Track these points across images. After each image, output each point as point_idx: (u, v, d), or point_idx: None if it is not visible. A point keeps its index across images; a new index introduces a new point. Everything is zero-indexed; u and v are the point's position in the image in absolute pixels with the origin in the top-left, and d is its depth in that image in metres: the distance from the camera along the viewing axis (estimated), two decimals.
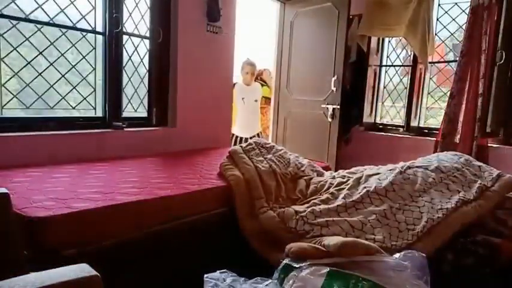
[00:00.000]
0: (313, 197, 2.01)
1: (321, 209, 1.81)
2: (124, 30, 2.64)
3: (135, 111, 2.87)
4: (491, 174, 2.03)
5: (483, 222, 1.80)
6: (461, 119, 3.13)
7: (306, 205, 1.90)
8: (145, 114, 2.92)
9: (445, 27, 3.52)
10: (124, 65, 2.68)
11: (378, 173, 2.07)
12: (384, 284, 1.18)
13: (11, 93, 2.21)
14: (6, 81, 2.18)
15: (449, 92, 3.23)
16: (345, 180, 2.11)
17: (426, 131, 3.63)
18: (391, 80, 3.94)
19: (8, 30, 2.14)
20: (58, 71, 2.37)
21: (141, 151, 2.65)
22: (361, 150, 3.83)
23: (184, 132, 2.99)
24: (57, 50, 2.35)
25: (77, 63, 2.45)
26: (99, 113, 2.60)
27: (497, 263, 1.59)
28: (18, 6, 2.17)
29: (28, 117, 2.30)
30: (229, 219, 1.90)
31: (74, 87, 2.47)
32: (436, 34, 3.50)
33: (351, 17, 3.58)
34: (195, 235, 1.79)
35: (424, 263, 1.31)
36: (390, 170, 2.08)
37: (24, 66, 2.23)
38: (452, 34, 3.51)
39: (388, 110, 4.00)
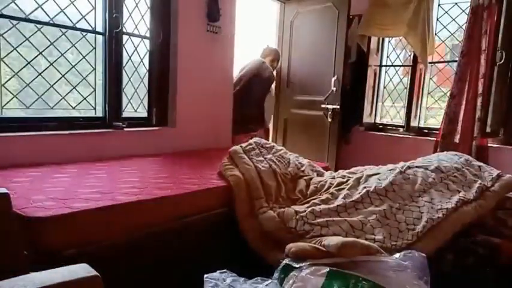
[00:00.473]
0: (313, 197, 2.01)
1: (321, 209, 1.81)
2: (124, 30, 2.64)
3: (135, 111, 2.87)
4: (491, 174, 2.03)
5: (483, 222, 1.80)
6: (461, 119, 3.13)
7: (306, 205, 1.90)
8: (145, 114, 2.92)
9: (445, 27, 3.52)
10: (124, 65, 2.67)
11: (378, 173, 2.07)
12: (384, 284, 1.18)
13: (11, 93, 2.21)
14: (6, 81, 2.18)
15: (449, 92, 3.23)
16: (344, 180, 2.11)
17: (426, 131, 3.63)
18: (391, 80, 3.94)
19: (8, 30, 2.14)
20: (58, 71, 2.37)
21: (141, 151, 2.65)
22: (361, 150, 3.83)
23: (184, 132, 2.99)
24: (57, 50, 2.35)
25: (77, 63, 2.45)
26: (99, 113, 2.60)
27: (497, 263, 1.59)
28: (18, 6, 2.17)
29: (28, 117, 2.30)
30: (229, 219, 1.90)
31: (74, 87, 2.47)
32: (436, 34, 3.50)
33: (351, 17, 3.58)
34: (195, 235, 1.79)
35: (424, 263, 1.31)
36: (390, 170, 2.08)
37: (24, 66, 2.23)
38: (452, 34, 3.51)
39: (388, 110, 4.00)
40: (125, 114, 2.71)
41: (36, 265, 0.92)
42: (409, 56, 3.79)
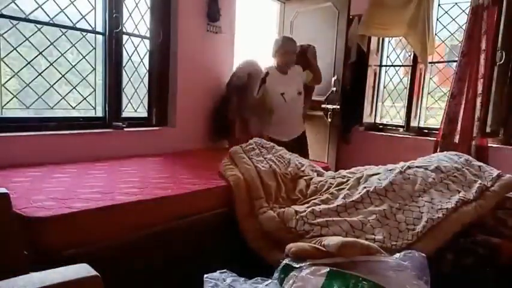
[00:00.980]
0: (313, 197, 2.01)
1: (320, 209, 1.81)
2: (124, 30, 2.64)
3: (135, 111, 2.87)
4: (491, 174, 2.03)
5: (483, 222, 1.80)
6: (461, 119, 3.13)
7: (306, 205, 1.90)
8: (145, 114, 2.92)
9: (445, 27, 3.51)
10: (124, 65, 2.68)
11: (378, 173, 2.07)
12: (384, 284, 1.18)
13: (11, 93, 2.21)
14: (6, 81, 2.18)
15: (449, 92, 3.23)
16: (345, 180, 2.11)
17: (426, 131, 3.62)
18: (391, 80, 3.94)
19: (8, 30, 2.14)
20: (58, 71, 2.37)
21: (141, 151, 2.65)
22: (361, 150, 3.82)
23: (184, 132, 2.99)
24: (57, 50, 2.35)
25: (77, 63, 2.45)
26: (99, 113, 2.60)
27: (497, 263, 1.59)
28: (18, 6, 2.17)
29: (28, 117, 2.30)
30: (229, 219, 1.90)
31: (74, 87, 2.47)
32: (436, 34, 3.50)
33: (351, 17, 3.58)
34: (195, 235, 1.79)
35: (424, 263, 1.31)
36: (390, 170, 2.08)
37: (24, 66, 2.23)
38: (452, 34, 3.51)
39: (388, 110, 4.00)
40: (124, 114, 2.71)
41: (36, 265, 0.92)
42: (409, 56, 3.79)
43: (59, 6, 2.31)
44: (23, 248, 1.10)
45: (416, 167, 2.06)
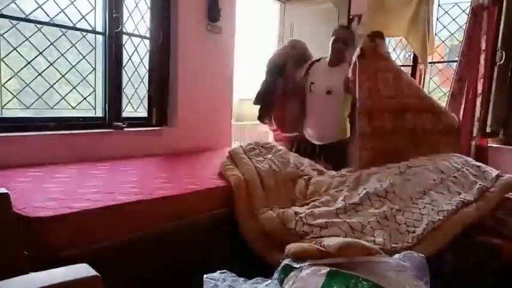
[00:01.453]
0: (312, 199, 2.00)
1: (320, 211, 1.81)
2: (124, 30, 2.64)
3: (135, 111, 2.87)
4: (490, 174, 2.03)
5: (483, 222, 1.80)
6: (461, 119, 3.13)
7: (306, 207, 1.90)
8: (145, 114, 2.92)
9: (445, 27, 3.51)
10: (124, 65, 2.67)
11: (377, 173, 2.07)
12: (384, 285, 1.18)
13: (11, 93, 2.21)
14: (6, 81, 2.18)
15: (449, 92, 3.23)
16: (344, 179, 2.11)
17: None
18: None
19: (8, 30, 2.14)
20: (58, 71, 2.37)
21: (141, 151, 2.65)
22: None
23: (184, 132, 2.99)
24: (57, 50, 2.35)
25: (77, 63, 2.45)
26: (99, 113, 2.60)
27: (497, 264, 1.59)
28: (18, 6, 2.17)
29: (28, 117, 2.30)
30: (229, 220, 1.90)
31: (74, 87, 2.47)
32: (436, 34, 3.50)
33: (351, 17, 3.58)
34: (195, 235, 1.79)
35: (424, 263, 1.31)
36: (389, 168, 2.07)
37: (24, 66, 2.23)
38: (452, 34, 3.51)
39: None
40: (124, 114, 2.71)
41: (36, 265, 0.92)
42: (409, 56, 3.79)
43: (59, 6, 2.31)
44: (23, 248, 1.10)
45: (416, 166, 2.06)
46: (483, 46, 3.00)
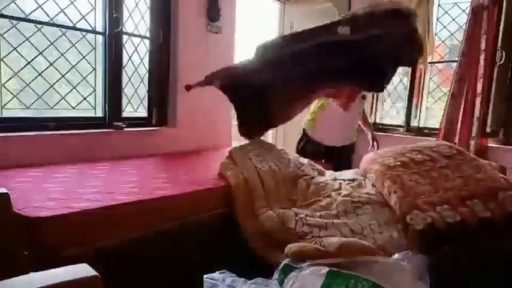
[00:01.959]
0: (313, 200, 2.00)
1: (321, 213, 1.80)
2: (124, 30, 2.64)
3: (135, 111, 2.87)
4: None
5: (486, 223, 1.78)
6: (461, 119, 3.13)
7: (306, 208, 1.90)
8: (145, 114, 2.92)
9: (445, 27, 3.52)
10: (124, 65, 2.68)
11: None
12: (384, 284, 1.18)
13: (11, 93, 2.21)
14: (6, 81, 2.18)
15: (449, 92, 3.23)
16: (345, 182, 2.10)
17: (426, 131, 3.62)
18: None
19: (8, 30, 2.14)
20: (58, 71, 2.37)
21: (141, 151, 2.65)
22: (361, 151, 3.82)
23: (184, 132, 2.99)
24: (57, 50, 2.35)
25: (77, 63, 2.45)
26: (99, 113, 2.60)
27: (497, 264, 1.58)
28: (18, 6, 2.17)
29: (28, 117, 2.30)
30: (229, 220, 1.90)
31: (74, 87, 2.47)
32: (436, 34, 3.50)
33: None
34: (195, 235, 1.79)
35: (424, 263, 1.31)
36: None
37: (24, 66, 2.23)
38: (452, 34, 3.51)
39: (388, 110, 4.00)
40: (124, 114, 2.71)
41: (36, 265, 0.92)
42: None
43: (59, 6, 2.31)
44: (23, 248, 1.10)
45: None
46: (483, 46, 3.00)
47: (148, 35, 2.85)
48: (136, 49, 2.79)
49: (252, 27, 4.88)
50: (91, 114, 2.58)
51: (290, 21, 4.04)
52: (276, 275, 1.32)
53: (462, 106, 3.12)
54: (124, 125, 2.62)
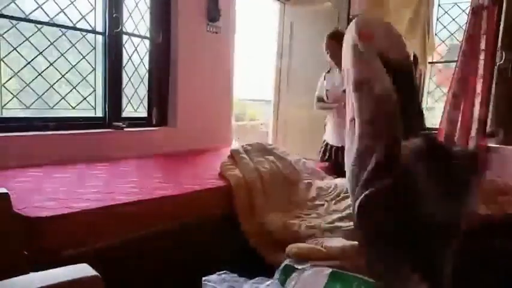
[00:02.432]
0: (314, 203, 2.00)
1: (325, 217, 1.80)
2: (124, 30, 2.64)
3: (135, 111, 2.87)
4: None
5: (489, 224, 1.78)
6: (461, 119, 3.13)
7: (309, 211, 1.89)
8: (145, 114, 2.92)
9: (445, 27, 3.52)
10: (124, 65, 2.67)
11: None
12: None
13: (11, 93, 2.20)
14: (6, 81, 2.17)
15: (449, 92, 3.22)
16: (345, 187, 2.09)
17: (426, 131, 3.62)
18: None
19: (8, 30, 2.14)
20: (58, 71, 2.37)
21: (141, 151, 2.64)
22: None
23: (184, 132, 2.99)
24: (57, 50, 2.35)
25: (77, 63, 2.45)
26: (99, 113, 2.60)
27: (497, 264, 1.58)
28: (18, 6, 2.17)
29: (28, 117, 2.29)
30: (229, 219, 1.89)
31: (74, 87, 2.47)
32: (436, 34, 3.50)
33: (350, 17, 3.58)
34: (195, 235, 1.79)
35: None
36: None
37: (24, 66, 2.22)
38: (452, 34, 3.51)
39: None
40: (124, 114, 2.70)
41: (36, 265, 0.92)
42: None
43: (59, 6, 2.31)
44: (23, 248, 1.10)
45: None
46: (483, 46, 3.00)
47: (148, 35, 2.85)
48: (136, 49, 2.79)
49: (252, 27, 4.88)
50: (91, 114, 2.57)
51: (290, 21, 4.04)
52: (276, 275, 1.32)
53: (462, 106, 3.12)
54: (124, 125, 2.62)
